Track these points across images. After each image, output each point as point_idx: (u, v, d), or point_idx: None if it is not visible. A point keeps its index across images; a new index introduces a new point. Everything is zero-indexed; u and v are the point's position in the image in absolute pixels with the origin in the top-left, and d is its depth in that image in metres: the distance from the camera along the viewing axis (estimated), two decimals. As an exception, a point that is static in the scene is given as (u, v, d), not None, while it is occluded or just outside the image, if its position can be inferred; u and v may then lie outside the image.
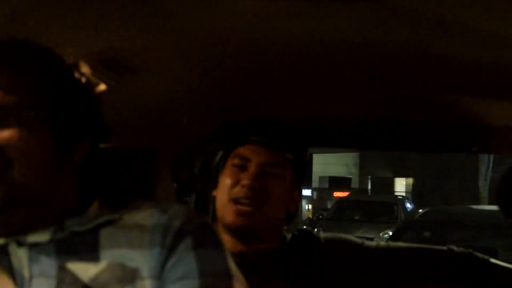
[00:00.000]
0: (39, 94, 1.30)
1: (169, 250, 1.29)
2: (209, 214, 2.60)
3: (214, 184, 2.21)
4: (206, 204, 2.66)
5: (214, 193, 2.21)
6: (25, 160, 1.27)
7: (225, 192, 2.11)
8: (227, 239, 2.09)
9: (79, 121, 1.36)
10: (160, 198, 1.57)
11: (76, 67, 1.39)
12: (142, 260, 1.28)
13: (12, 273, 1.28)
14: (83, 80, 1.40)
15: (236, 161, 2.13)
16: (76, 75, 1.38)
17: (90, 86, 1.43)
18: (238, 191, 2.09)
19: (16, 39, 1.31)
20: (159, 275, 1.27)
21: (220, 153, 2.30)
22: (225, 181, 2.13)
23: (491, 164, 23.72)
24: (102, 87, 1.66)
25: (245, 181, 2.08)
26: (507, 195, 1.95)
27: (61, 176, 1.34)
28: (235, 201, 2.08)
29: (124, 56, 1.71)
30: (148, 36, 1.62)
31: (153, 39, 1.64)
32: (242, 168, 2.12)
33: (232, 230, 2.11)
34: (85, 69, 1.41)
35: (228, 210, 2.09)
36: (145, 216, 1.34)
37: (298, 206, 2.28)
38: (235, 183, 2.10)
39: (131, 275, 1.27)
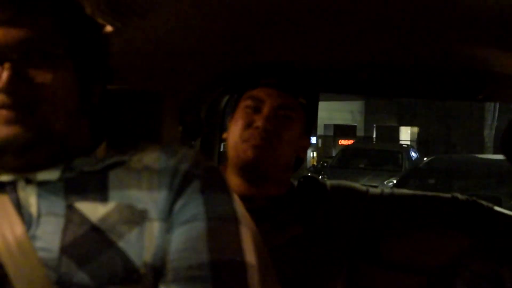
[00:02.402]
0: (64, 33, 1.30)
1: (177, 193, 1.30)
2: (215, 158, 2.61)
3: (221, 128, 2.21)
4: (212, 148, 2.66)
5: (225, 135, 2.20)
6: (54, 100, 1.27)
7: (238, 133, 2.10)
8: (236, 182, 2.09)
9: (98, 62, 1.36)
10: (166, 141, 1.57)
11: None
12: (150, 202, 1.29)
13: (19, 210, 1.29)
14: (97, 21, 1.40)
15: (249, 102, 2.11)
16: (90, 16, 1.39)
17: (101, 27, 1.43)
18: (252, 132, 2.07)
19: None
20: (167, 218, 1.28)
21: (226, 97, 2.30)
22: (238, 122, 2.11)
23: (496, 114, 23.67)
24: (108, 29, 1.65)
25: (259, 123, 2.07)
26: None
27: (80, 117, 1.35)
28: (248, 141, 2.08)
29: (131, -2, 1.69)
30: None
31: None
32: (255, 109, 2.10)
33: (244, 168, 2.09)
34: (89, 10, 1.40)
35: (241, 148, 2.08)
36: (154, 159, 1.35)
37: (306, 154, 2.27)
38: (248, 124, 2.09)
39: (140, 216, 1.28)
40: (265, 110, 2.09)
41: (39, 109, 1.26)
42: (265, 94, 2.10)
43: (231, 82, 2.29)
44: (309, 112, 2.18)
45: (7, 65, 1.24)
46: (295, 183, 2.27)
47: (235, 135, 2.11)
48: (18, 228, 1.26)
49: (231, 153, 2.13)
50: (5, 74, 1.24)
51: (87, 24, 1.37)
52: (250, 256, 1.31)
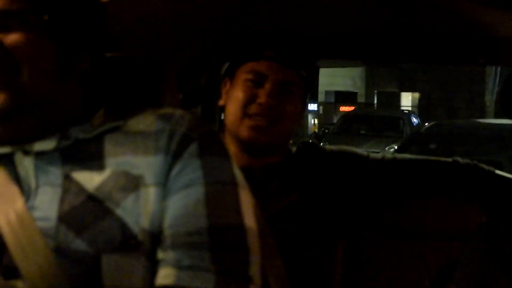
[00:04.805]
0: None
1: (174, 157, 1.29)
2: (216, 125, 2.60)
3: (220, 94, 2.20)
4: (212, 115, 2.66)
5: (221, 102, 2.20)
6: (31, 65, 1.26)
7: (239, 107, 2.09)
8: (234, 152, 2.07)
9: (82, 28, 1.35)
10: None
11: None
12: (146, 167, 1.28)
13: (18, 181, 1.29)
14: None
15: (250, 76, 2.10)
16: None
17: None
18: (255, 107, 2.07)
19: None
20: (164, 182, 1.27)
21: (227, 64, 2.28)
22: (238, 95, 2.10)
23: (497, 78, 23.61)
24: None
25: (262, 99, 2.07)
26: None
27: (66, 83, 1.34)
28: (250, 116, 2.08)
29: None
30: None
31: None
32: (257, 84, 2.09)
33: (246, 144, 2.11)
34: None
35: (243, 124, 2.08)
36: (149, 123, 1.33)
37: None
38: (251, 99, 2.08)
39: (135, 182, 1.27)
40: (268, 85, 2.08)
41: (18, 74, 1.25)
42: (267, 69, 2.09)
43: (231, 49, 2.27)
44: (309, 83, 2.18)
45: None
46: (294, 149, 2.28)
47: (236, 108, 2.10)
48: (18, 200, 1.26)
49: (230, 125, 2.13)
50: None
51: None
52: (249, 219, 1.30)
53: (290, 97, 2.11)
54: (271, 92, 2.07)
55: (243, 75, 2.12)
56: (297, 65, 2.12)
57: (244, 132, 2.08)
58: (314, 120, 26.24)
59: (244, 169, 1.46)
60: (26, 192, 1.28)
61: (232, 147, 2.09)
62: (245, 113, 2.09)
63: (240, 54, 2.17)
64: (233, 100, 2.12)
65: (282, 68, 2.10)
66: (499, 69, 22.68)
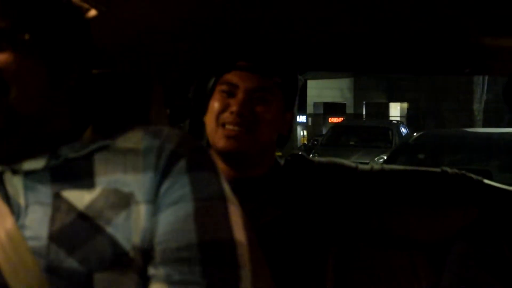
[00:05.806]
0: (31, 18, 1.29)
1: (163, 173, 1.29)
2: (204, 140, 2.61)
3: (206, 109, 2.21)
4: (200, 130, 2.66)
5: (205, 118, 2.21)
6: (20, 85, 1.26)
7: (214, 117, 2.12)
8: (221, 167, 2.08)
9: (70, 45, 1.35)
10: (154, 124, 1.56)
11: None
12: (136, 184, 1.28)
13: (8, 201, 1.29)
14: (73, 5, 1.39)
15: (224, 87, 2.13)
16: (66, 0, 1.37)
17: (80, 11, 1.42)
18: (227, 116, 2.09)
19: None
20: (154, 199, 1.28)
21: (213, 79, 2.29)
22: (214, 106, 2.13)
23: (485, 87, 23.69)
24: (92, 12, 1.64)
25: (233, 108, 2.09)
26: None
27: (54, 101, 1.34)
28: (223, 125, 2.09)
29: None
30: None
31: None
32: (230, 94, 2.12)
33: (222, 154, 2.12)
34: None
35: (217, 134, 2.10)
36: (138, 140, 1.34)
37: (291, 129, 2.28)
38: (224, 108, 2.11)
39: (126, 200, 1.27)
40: (239, 94, 2.10)
41: (7, 94, 1.25)
42: (238, 78, 2.12)
43: (211, 62, 2.29)
44: (287, 89, 2.19)
45: None
46: (282, 161, 2.28)
47: (211, 119, 2.13)
48: (8, 219, 1.26)
49: (209, 137, 2.15)
50: None
51: (58, 6, 1.35)
52: (239, 234, 1.31)
53: (264, 105, 2.12)
54: (242, 100, 2.09)
55: (219, 87, 2.14)
56: (270, 72, 2.13)
57: (219, 142, 2.10)
58: (303, 132, 26.28)
59: (231, 182, 1.46)
60: (16, 211, 1.28)
61: (218, 161, 2.10)
62: (218, 123, 2.11)
63: (216, 67, 2.19)
64: (209, 111, 2.15)
65: (254, 76, 2.12)
66: (486, 78, 22.76)
